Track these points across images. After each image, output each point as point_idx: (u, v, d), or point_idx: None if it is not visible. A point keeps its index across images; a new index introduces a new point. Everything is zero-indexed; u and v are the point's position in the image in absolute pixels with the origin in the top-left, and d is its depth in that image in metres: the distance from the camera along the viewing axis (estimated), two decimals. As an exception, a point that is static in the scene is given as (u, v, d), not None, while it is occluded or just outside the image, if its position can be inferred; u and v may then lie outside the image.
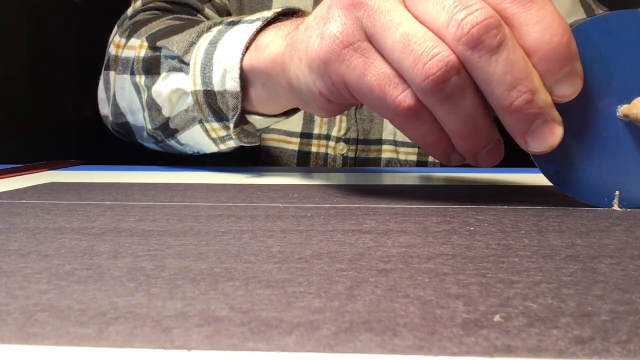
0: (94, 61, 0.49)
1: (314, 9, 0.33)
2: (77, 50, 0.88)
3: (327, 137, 0.52)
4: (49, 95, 0.83)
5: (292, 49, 0.29)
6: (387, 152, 0.52)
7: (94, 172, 0.41)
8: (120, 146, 0.51)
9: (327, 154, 0.52)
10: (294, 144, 0.52)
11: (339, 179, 0.36)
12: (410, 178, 0.37)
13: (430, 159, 0.52)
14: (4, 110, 0.74)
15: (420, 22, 0.22)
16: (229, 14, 0.54)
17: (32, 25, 0.80)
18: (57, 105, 0.84)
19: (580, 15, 0.54)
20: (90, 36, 0.53)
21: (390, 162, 0.52)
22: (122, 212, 0.24)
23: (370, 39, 0.24)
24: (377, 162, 0.52)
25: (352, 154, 0.52)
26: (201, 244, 0.18)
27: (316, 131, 0.52)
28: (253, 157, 0.52)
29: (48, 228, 0.21)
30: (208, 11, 0.52)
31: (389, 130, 0.52)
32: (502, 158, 0.25)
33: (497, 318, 0.12)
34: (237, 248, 0.18)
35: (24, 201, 0.27)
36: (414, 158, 0.52)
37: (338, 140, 0.52)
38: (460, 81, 0.22)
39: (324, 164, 0.53)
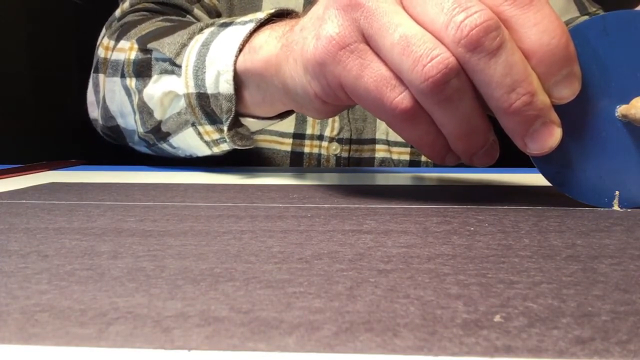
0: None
1: (304, 9, 0.33)
2: (77, 50, 0.88)
3: (320, 137, 0.52)
4: (49, 95, 0.83)
5: (286, 49, 0.29)
6: (380, 152, 0.52)
7: (94, 172, 0.41)
8: (120, 146, 0.50)
9: (320, 154, 0.52)
10: (286, 145, 0.52)
11: (338, 179, 0.36)
12: (410, 178, 0.37)
13: (423, 158, 0.52)
14: (4, 110, 0.74)
15: (418, 23, 0.22)
16: (218, 15, 0.54)
17: (32, 25, 0.80)
18: (57, 105, 0.84)
19: (573, 13, 0.54)
20: (90, 36, 0.52)
21: (384, 162, 0.52)
22: (122, 212, 0.24)
23: (367, 40, 0.23)
24: (370, 161, 0.52)
25: (345, 154, 0.52)
26: (201, 244, 0.18)
27: (309, 131, 0.52)
28: (245, 158, 0.51)
29: (48, 228, 0.21)
30: (197, 12, 0.52)
31: (382, 130, 0.52)
32: (497, 158, 0.25)
33: (497, 318, 0.12)
34: (237, 248, 0.18)
35: (24, 201, 0.27)
36: (407, 157, 0.52)
37: (331, 140, 0.52)
38: (459, 83, 0.22)
39: (317, 165, 0.52)
